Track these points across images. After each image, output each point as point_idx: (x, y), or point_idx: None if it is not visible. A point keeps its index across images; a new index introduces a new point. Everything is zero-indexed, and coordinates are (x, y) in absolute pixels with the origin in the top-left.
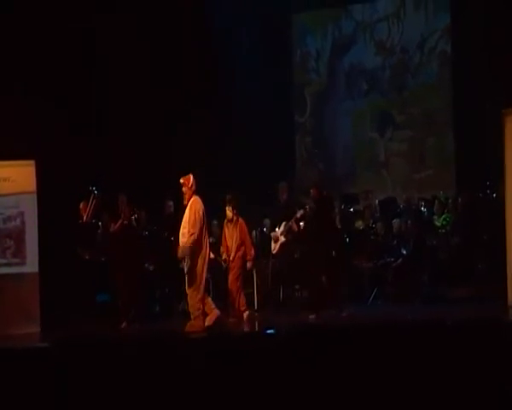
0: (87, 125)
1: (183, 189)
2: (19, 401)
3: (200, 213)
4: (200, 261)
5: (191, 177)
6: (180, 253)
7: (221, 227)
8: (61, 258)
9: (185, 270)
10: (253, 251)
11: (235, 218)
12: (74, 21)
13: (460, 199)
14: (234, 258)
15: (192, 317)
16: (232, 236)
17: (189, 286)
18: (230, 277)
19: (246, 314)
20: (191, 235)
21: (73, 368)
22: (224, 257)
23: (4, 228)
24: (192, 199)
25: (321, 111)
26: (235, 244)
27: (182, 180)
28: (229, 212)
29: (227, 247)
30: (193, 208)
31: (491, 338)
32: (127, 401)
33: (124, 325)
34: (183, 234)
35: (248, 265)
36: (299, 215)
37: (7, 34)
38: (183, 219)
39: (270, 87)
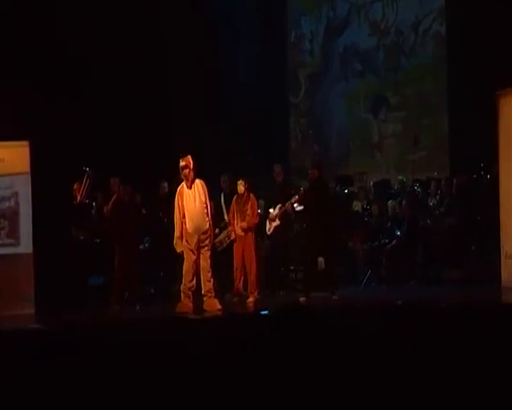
0: (82, 106)
1: (186, 171)
2: (14, 382)
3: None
4: None
5: (190, 158)
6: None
7: (218, 206)
8: (55, 239)
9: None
10: (255, 221)
11: (246, 193)
12: None
13: (454, 181)
14: (245, 234)
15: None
16: (243, 211)
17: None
18: (246, 254)
19: (254, 295)
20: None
21: (67, 352)
22: (226, 234)
23: None
24: (197, 181)
25: (315, 92)
26: (249, 218)
27: (183, 162)
28: (241, 186)
29: (235, 223)
30: (205, 189)
31: (484, 320)
32: (126, 385)
33: (116, 307)
34: (203, 214)
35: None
36: (293, 200)
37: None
38: (195, 201)
39: (265, 68)
